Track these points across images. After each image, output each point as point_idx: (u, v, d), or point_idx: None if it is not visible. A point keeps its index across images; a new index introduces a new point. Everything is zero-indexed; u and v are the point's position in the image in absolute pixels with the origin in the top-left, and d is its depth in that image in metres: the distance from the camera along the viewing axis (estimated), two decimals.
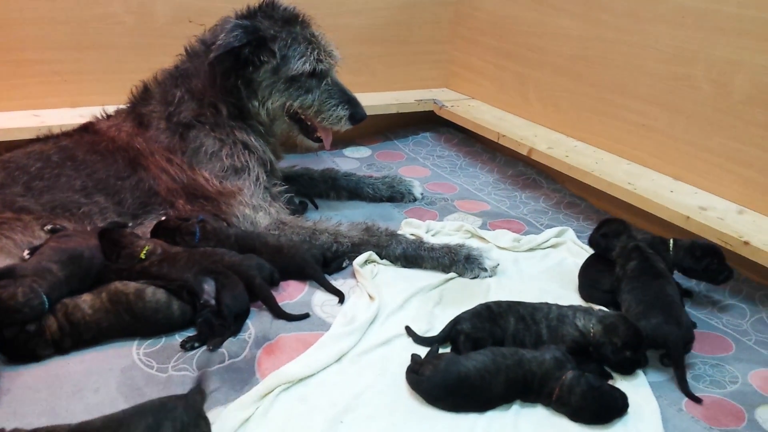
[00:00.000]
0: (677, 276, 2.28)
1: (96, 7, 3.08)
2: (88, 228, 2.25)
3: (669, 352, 1.89)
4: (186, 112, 2.51)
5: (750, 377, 1.94)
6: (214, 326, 1.96)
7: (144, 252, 2.17)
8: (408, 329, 2.03)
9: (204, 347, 1.94)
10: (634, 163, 2.93)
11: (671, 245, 2.27)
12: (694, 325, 2.06)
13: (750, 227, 2.36)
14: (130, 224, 2.35)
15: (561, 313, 1.94)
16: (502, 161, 3.60)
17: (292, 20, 2.53)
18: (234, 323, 2.01)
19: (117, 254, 2.16)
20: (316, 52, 2.51)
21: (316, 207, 2.96)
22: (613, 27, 2.95)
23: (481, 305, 2.01)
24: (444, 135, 3.98)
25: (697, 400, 1.82)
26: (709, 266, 2.20)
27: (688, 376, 1.92)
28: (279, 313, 2.11)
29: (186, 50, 2.60)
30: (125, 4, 3.12)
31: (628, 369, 1.87)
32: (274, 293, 2.17)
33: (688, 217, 2.44)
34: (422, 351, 1.94)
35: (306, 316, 2.11)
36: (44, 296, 1.85)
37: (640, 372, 1.89)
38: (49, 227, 2.16)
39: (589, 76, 3.12)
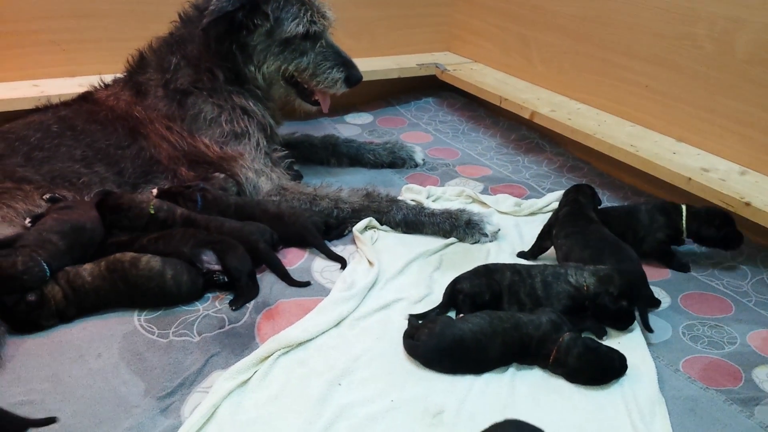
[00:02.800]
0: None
1: None
2: (86, 199, 2.26)
3: (632, 290, 1.89)
4: (183, 79, 2.49)
5: (749, 338, 1.94)
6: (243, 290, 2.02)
7: (151, 207, 2.18)
8: (411, 316, 1.96)
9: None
10: (637, 125, 2.90)
11: (684, 212, 2.25)
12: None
13: (752, 188, 2.34)
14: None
15: (556, 270, 1.95)
16: (505, 125, 3.57)
17: None
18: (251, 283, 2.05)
19: (126, 218, 2.17)
20: (309, 14, 2.48)
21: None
22: None
23: (478, 266, 2.02)
24: (446, 100, 3.94)
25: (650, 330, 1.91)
26: (729, 234, 2.21)
27: (686, 338, 1.93)
28: (285, 276, 2.12)
29: (180, 16, 2.57)
30: None
31: (624, 321, 1.88)
32: None
33: (690, 179, 2.42)
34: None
35: (307, 284, 2.12)
36: (44, 265, 1.87)
37: (638, 332, 1.90)
38: (47, 196, 2.17)
39: (592, 36, 3.07)
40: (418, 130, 3.57)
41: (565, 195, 2.35)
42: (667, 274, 2.24)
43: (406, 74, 3.78)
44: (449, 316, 1.90)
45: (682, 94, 2.68)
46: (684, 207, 2.26)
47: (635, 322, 1.92)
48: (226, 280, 2.03)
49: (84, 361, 1.76)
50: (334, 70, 2.58)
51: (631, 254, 2.04)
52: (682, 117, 2.70)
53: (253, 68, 2.53)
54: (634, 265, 1.99)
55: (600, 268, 1.93)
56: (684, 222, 2.23)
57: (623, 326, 1.89)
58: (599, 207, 2.34)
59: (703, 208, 2.26)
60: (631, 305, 1.86)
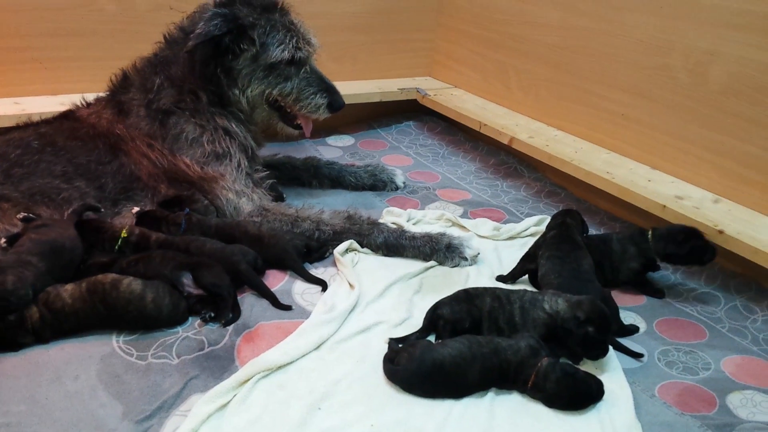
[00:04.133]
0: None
1: None
2: (66, 214, 2.25)
3: (600, 319, 1.86)
4: (165, 99, 2.50)
5: (723, 364, 1.98)
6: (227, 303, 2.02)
7: (124, 232, 2.18)
8: (392, 339, 1.96)
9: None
10: (612, 152, 2.96)
11: (650, 236, 2.28)
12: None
13: (725, 216, 2.39)
14: (102, 209, 2.35)
15: (534, 297, 1.96)
16: (485, 150, 3.61)
17: (271, 7, 2.53)
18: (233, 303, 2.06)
19: (101, 240, 2.17)
20: (294, 40, 2.51)
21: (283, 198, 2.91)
22: (592, 16, 2.97)
23: (459, 290, 2.03)
24: (427, 124, 3.99)
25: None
26: (694, 248, 2.22)
27: (662, 363, 1.96)
28: (268, 295, 2.13)
29: (165, 37, 2.58)
30: None
31: (590, 348, 1.85)
32: None
33: (665, 206, 2.47)
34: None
35: (289, 308, 2.11)
36: (30, 287, 1.85)
37: (614, 358, 1.93)
38: (21, 216, 2.14)
39: (569, 65, 3.14)
40: (399, 153, 3.60)
41: (553, 218, 2.40)
42: (642, 300, 2.28)
43: (388, 98, 3.82)
44: (429, 341, 1.91)
45: (658, 123, 2.74)
46: (650, 231, 2.29)
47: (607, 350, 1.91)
48: (213, 315, 2.01)
49: (61, 383, 1.74)
50: (318, 95, 2.61)
51: (596, 292, 2.03)
52: (658, 145, 2.76)
53: (237, 92, 2.55)
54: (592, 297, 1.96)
55: (575, 296, 1.92)
56: (651, 244, 2.27)
57: (593, 355, 1.86)
58: (586, 235, 2.38)
59: (665, 228, 2.29)
60: (600, 334, 1.84)
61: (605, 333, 1.86)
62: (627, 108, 2.87)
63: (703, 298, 2.31)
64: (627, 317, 2.14)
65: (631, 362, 1.95)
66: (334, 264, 2.38)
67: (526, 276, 2.31)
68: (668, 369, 1.94)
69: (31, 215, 2.16)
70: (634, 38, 2.78)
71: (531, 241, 2.61)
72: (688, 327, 2.15)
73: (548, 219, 2.73)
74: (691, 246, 2.22)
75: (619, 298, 2.21)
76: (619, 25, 2.85)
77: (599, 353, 1.86)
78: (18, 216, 2.15)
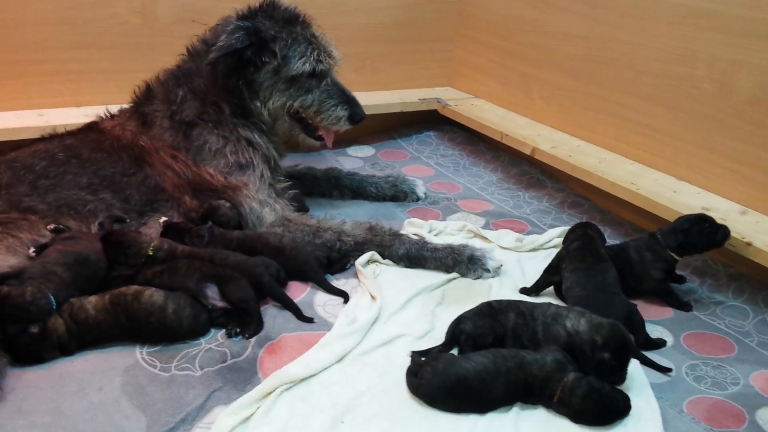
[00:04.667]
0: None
1: (100, 8, 3.08)
2: (93, 226, 2.26)
3: (618, 344, 1.80)
4: (189, 111, 2.52)
5: (752, 379, 1.94)
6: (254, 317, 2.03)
7: (151, 249, 2.17)
8: (414, 353, 1.94)
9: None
10: (637, 162, 2.93)
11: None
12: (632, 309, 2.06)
13: (753, 228, 2.35)
14: (128, 219, 2.36)
15: (557, 312, 1.92)
16: (506, 160, 3.60)
17: (293, 20, 2.54)
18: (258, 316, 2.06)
19: (124, 255, 2.16)
20: (316, 53, 2.53)
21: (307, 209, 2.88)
22: (615, 26, 2.95)
23: (482, 303, 2.01)
24: (448, 134, 3.98)
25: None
26: (702, 230, 2.22)
27: (690, 378, 1.93)
28: (291, 307, 2.13)
29: (188, 50, 2.61)
30: (129, 4, 3.12)
31: (604, 373, 1.75)
32: None
33: None
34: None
35: (311, 320, 2.11)
36: (51, 297, 1.86)
37: (641, 372, 1.89)
38: (52, 226, 2.16)
39: (592, 75, 3.11)
40: (419, 163, 3.59)
41: (572, 231, 2.37)
42: (669, 313, 2.25)
43: (408, 108, 3.82)
44: (452, 354, 1.89)
45: (683, 134, 2.71)
46: (658, 231, 2.30)
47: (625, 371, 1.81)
48: (238, 331, 2.01)
49: (85, 394, 1.74)
50: (338, 108, 2.62)
51: (619, 308, 2.00)
52: (683, 156, 2.72)
53: (258, 104, 2.57)
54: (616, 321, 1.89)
55: (598, 317, 1.85)
56: (662, 241, 2.25)
57: (608, 382, 1.75)
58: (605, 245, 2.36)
59: (671, 223, 2.30)
60: (617, 361, 1.76)
61: (622, 360, 1.78)
62: (651, 118, 2.84)
63: (731, 312, 2.28)
64: (654, 331, 2.11)
65: (659, 377, 1.91)
66: (356, 275, 2.37)
67: (551, 287, 2.29)
68: (696, 384, 1.91)
69: (61, 226, 2.19)
70: (657, 48, 2.76)
71: (554, 252, 2.59)
72: (716, 341, 2.12)
73: None
74: (698, 230, 2.22)
75: (646, 311, 2.18)
76: (641, 34, 2.82)
77: (615, 381, 1.77)
78: (48, 227, 2.18)
